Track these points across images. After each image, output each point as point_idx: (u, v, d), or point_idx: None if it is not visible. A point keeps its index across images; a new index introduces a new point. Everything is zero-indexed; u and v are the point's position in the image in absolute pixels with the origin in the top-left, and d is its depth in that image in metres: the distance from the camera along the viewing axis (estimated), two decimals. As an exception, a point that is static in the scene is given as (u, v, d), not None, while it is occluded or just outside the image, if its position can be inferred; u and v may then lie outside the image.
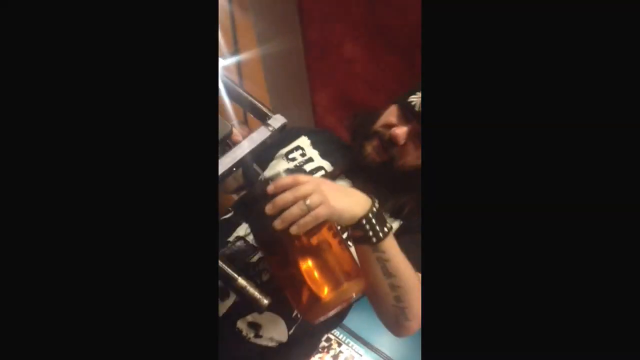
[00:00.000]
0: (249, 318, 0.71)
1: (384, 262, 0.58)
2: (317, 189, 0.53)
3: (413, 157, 0.76)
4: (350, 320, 3.28)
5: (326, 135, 0.94)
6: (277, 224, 0.51)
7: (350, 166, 0.80)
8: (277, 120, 0.59)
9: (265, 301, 0.52)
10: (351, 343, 3.18)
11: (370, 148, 0.78)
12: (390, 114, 0.80)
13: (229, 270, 0.52)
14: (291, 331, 0.73)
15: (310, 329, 0.76)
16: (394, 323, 0.64)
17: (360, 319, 3.34)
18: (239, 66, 2.00)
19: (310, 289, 0.53)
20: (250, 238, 0.72)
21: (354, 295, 0.55)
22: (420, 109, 0.74)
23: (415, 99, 0.76)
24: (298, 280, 0.54)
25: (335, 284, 0.53)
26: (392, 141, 0.76)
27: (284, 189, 0.53)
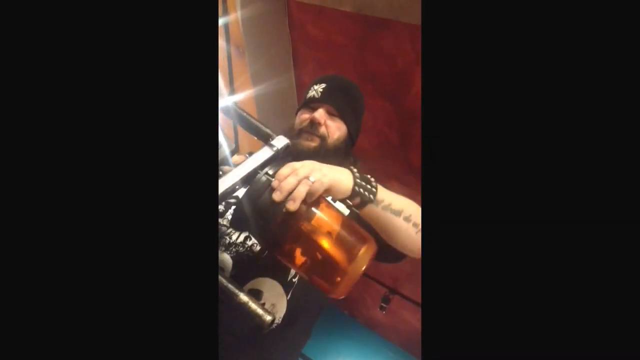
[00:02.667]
0: (249, 285, 0.75)
1: (389, 207, 0.65)
2: (314, 167, 0.58)
3: (336, 130, 0.94)
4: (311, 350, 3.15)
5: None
6: (290, 205, 0.53)
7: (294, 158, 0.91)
8: (280, 141, 0.62)
9: (269, 317, 0.50)
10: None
11: (302, 141, 0.93)
12: (301, 115, 0.97)
13: (230, 286, 0.51)
14: (288, 296, 0.78)
15: (305, 302, 0.80)
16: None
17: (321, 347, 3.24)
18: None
19: (330, 266, 0.55)
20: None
21: (370, 258, 0.56)
22: (319, 94, 0.95)
23: (312, 92, 0.97)
24: (316, 264, 0.55)
25: (353, 252, 0.55)
26: (314, 124, 0.92)
27: (286, 178, 0.56)
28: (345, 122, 0.96)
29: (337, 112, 0.95)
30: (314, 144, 0.91)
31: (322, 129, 0.92)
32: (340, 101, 0.96)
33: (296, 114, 1.00)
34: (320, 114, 0.92)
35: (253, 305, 0.49)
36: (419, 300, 2.74)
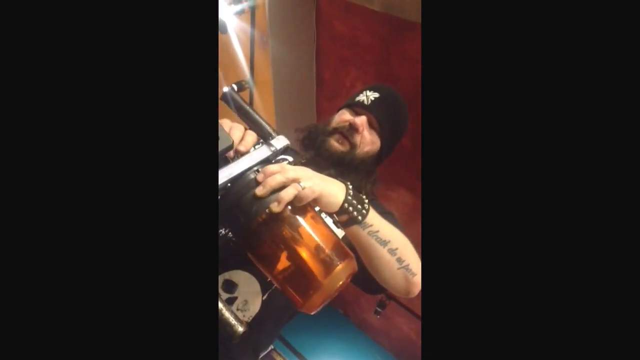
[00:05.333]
0: (225, 275, 0.74)
1: (375, 234, 0.61)
2: (306, 173, 0.56)
3: (369, 143, 0.90)
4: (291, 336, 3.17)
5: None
6: (274, 206, 0.52)
7: (312, 159, 0.89)
8: (280, 141, 0.60)
9: (240, 328, 0.48)
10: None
11: (333, 140, 0.90)
12: (342, 114, 0.93)
13: None
14: (265, 297, 0.75)
15: (280, 304, 0.77)
16: (404, 284, 0.66)
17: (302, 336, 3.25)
18: (250, 89, 2.04)
19: (306, 278, 0.52)
20: None
21: (348, 275, 0.54)
22: (369, 102, 0.90)
23: (362, 97, 0.92)
24: (291, 272, 0.53)
25: (331, 267, 0.52)
26: (352, 129, 0.88)
27: (273, 175, 0.54)
28: (381, 139, 0.92)
29: (378, 126, 0.91)
30: (343, 148, 0.88)
31: (357, 137, 0.88)
32: (385, 117, 0.91)
33: (338, 110, 0.96)
34: (361, 120, 0.88)
35: (226, 314, 0.47)
36: (414, 308, 2.72)
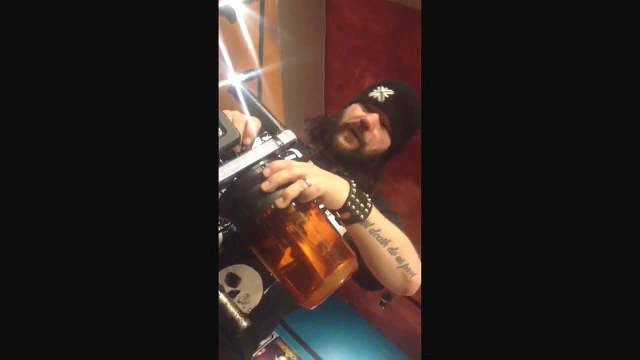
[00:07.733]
0: (230, 269, 0.74)
1: (376, 233, 0.62)
2: (312, 170, 0.56)
3: (379, 142, 0.89)
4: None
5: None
6: (279, 202, 0.52)
7: (320, 154, 0.89)
8: (287, 136, 0.59)
9: (244, 323, 0.49)
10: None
11: (341, 138, 0.88)
12: (354, 109, 0.90)
13: None
14: (266, 291, 0.76)
15: (280, 297, 0.78)
16: (403, 282, 0.66)
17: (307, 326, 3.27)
18: (259, 79, 2.03)
19: (307, 274, 0.53)
20: None
21: (349, 274, 0.55)
22: (383, 99, 0.88)
23: (376, 93, 0.89)
24: (293, 268, 0.54)
25: (333, 265, 0.53)
26: (363, 127, 0.86)
27: (279, 170, 0.54)
28: (392, 139, 0.90)
29: (390, 125, 0.88)
30: (350, 146, 0.87)
31: (367, 135, 0.87)
32: (399, 116, 0.89)
33: (350, 103, 0.94)
34: (373, 118, 0.86)
35: (230, 308, 0.48)
36: (419, 300, 2.72)
